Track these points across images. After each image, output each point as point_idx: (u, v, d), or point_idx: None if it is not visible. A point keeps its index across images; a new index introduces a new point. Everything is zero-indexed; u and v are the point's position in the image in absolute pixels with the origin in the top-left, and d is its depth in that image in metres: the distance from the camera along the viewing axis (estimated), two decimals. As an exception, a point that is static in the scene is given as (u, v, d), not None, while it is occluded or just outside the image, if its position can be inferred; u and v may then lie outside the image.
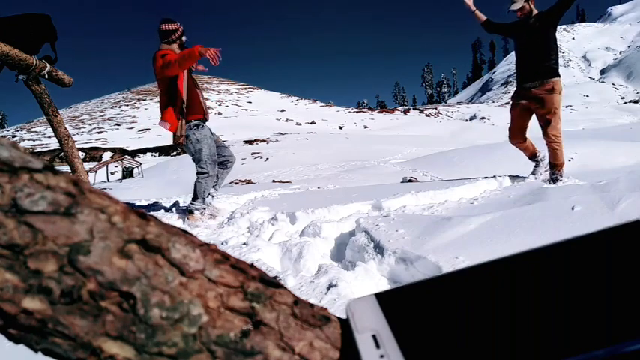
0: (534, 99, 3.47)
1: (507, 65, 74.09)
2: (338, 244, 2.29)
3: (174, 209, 3.71)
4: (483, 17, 3.89)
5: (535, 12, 3.54)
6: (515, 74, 3.65)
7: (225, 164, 3.34)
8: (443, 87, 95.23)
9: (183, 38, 3.11)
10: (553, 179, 3.51)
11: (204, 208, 3.18)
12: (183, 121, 3.00)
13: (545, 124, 3.48)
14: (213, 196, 3.34)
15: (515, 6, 3.55)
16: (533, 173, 3.79)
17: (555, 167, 3.53)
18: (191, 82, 3.11)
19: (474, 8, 3.88)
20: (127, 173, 16.42)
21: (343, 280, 1.48)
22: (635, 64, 59.59)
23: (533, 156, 3.84)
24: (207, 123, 3.19)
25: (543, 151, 3.75)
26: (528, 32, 3.51)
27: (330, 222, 2.47)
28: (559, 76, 3.45)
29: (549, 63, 3.41)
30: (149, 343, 0.26)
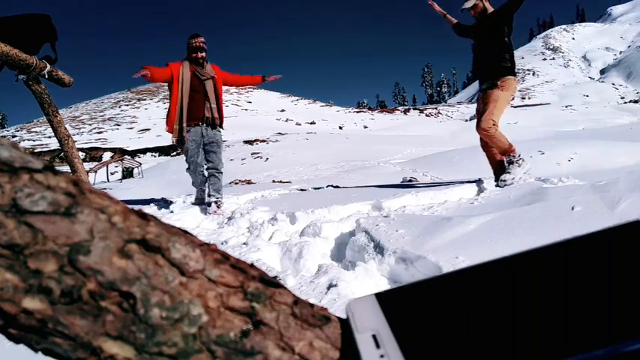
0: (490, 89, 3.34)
1: (507, 65, 74.05)
2: (338, 244, 2.29)
3: (174, 209, 3.71)
4: (454, 20, 3.76)
5: (490, 10, 3.39)
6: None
7: (209, 175, 3.61)
8: (443, 87, 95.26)
9: (196, 55, 3.43)
10: (508, 162, 3.29)
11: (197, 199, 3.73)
12: (176, 126, 3.38)
13: (480, 115, 3.30)
14: (210, 201, 3.57)
15: (468, 4, 3.43)
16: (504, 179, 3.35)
17: (506, 152, 3.31)
18: (192, 90, 3.42)
19: (444, 12, 3.77)
20: (127, 173, 16.42)
21: (343, 280, 1.48)
22: (635, 64, 59.60)
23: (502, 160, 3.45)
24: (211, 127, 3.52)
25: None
26: (482, 32, 3.39)
27: (330, 222, 2.47)
28: (513, 75, 3.31)
29: (503, 63, 3.27)
30: (149, 343, 0.26)
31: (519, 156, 3.30)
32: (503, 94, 3.24)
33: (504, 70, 3.27)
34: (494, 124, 3.23)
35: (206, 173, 3.60)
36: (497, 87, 3.24)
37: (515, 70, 3.36)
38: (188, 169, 3.57)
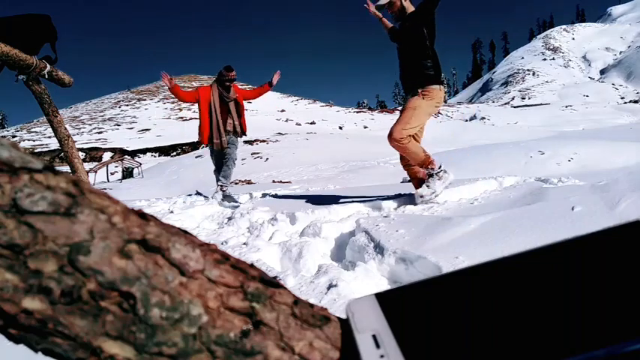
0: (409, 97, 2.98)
1: (507, 65, 74.15)
2: (338, 244, 2.29)
3: (174, 209, 3.71)
4: (389, 24, 3.29)
5: (410, 10, 2.99)
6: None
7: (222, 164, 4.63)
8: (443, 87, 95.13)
9: (227, 83, 4.37)
10: (428, 174, 2.96)
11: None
12: (216, 140, 4.41)
13: (394, 125, 2.93)
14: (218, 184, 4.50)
15: (382, 0, 3.00)
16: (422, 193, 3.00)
17: (424, 164, 2.97)
18: (212, 110, 4.39)
19: (379, 15, 3.26)
20: (127, 173, 16.41)
21: (343, 280, 1.48)
22: (635, 64, 59.61)
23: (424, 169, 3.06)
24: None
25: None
26: (402, 35, 3.01)
27: (330, 222, 2.47)
28: (438, 83, 2.92)
29: (425, 70, 2.90)
30: (149, 343, 0.26)
31: (440, 167, 2.97)
32: (424, 102, 2.88)
33: (428, 78, 2.90)
34: (408, 136, 2.88)
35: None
36: (422, 96, 2.88)
37: (442, 79, 2.99)
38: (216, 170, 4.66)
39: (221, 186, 4.40)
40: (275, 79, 4.62)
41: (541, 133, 18.66)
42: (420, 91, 2.88)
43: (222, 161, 4.52)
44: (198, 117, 4.53)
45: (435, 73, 2.91)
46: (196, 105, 4.48)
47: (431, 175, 2.94)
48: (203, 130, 4.41)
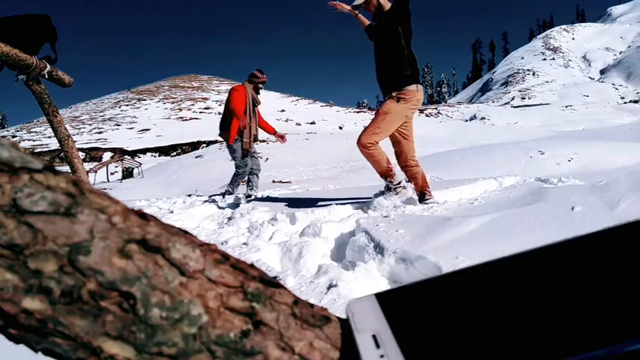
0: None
1: (507, 65, 74.15)
2: (338, 244, 2.29)
3: (174, 209, 3.71)
4: (367, 22, 3.14)
5: (388, 6, 2.84)
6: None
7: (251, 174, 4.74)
8: (443, 87, 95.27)
9: (260, 86, 4.50)
10: (386, 187, 2.88)
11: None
12: (246, 139, 4.45)
13: (365, 128, 2.82)
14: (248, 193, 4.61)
15: (358, 0, 2.86)
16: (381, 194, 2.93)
17: (384, 176, 2.85)
18: (247, 112, 4.44)
19: (355, 12, 3.09)
20: (127, 173, 16.41)
21: (343, 280, 1.48)
22: (635, 64, 59.62)
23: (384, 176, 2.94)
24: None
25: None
26: (378, 34, 2.89)
27: (330, 222, 2.47)
28: (415, 83, 2.79)
29: (401, 71, 2.77)
30: (149, 343, 0.26)
31: (399, 183, 2.87)
32: (398, 107, 2.75)
33: (404, 78, 2.77)
34: (376, 142, 2.77)
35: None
36: (397, 99, 2.75)
37: (419, 78, 2.84)
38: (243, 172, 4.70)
39: (250, 194, 4.53)
40: (279, 136, 4.78)
41: (541, 133, 18.66)
42: (394, 94, 2.78)
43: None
44: (224, 113, 4.55)
45: (412, 73, 2.79)
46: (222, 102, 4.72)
47: (389, 189, 2.88)
48: (234, 128, 4.38)
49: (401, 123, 2.84)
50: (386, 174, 2.85)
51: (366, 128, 2.83)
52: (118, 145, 26.65)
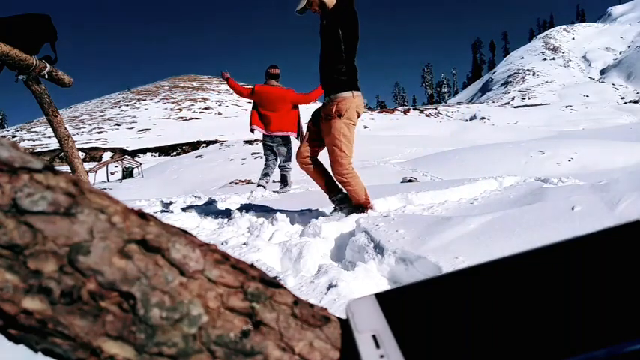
0: (324, 120, 2.63)
1: (507, 65, 74.14)
2: (338, 244, 2.29)
3: (174, 209, 3.71)
4: None
5: (332, 5, 2.61)
6: None
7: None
8: (443, 87, 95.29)
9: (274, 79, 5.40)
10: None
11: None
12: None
13: (330, 157, 2.65)
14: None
15: (300, 4, 2.63)
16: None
17: (360, 207, 2.70)
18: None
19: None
20: (127, 173, 16.41)
21: (343, 280, 1.48)
22: (635, 64, 59.62)
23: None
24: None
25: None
26: (320, 34, 2.69)
27: (330, 222, 2.47)
28: (350, 89, 2.56)
29: (336, 75, 2.57)
30: (149, 343, 0.26)
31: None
32: (339, 124, 2.56)
33: (338, 84, 2.56)
34: (349, 165, 2.63)
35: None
36: (332, 114, 2.55)
37: (357, 85, 2.62)
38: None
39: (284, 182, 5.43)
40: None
41: (541, 133, 18.66)
42: (332, 103, 2.57)
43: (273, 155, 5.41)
44: (254, 108, 5.36)
45: (348, 79, 2.57)
46: (249, 98, 5.33)
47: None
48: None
49: (354, 129, 2.67)
50: (363, 204, 2.70)
51: (332, 161, 2.65)
52: (118, 145, 26.66)
